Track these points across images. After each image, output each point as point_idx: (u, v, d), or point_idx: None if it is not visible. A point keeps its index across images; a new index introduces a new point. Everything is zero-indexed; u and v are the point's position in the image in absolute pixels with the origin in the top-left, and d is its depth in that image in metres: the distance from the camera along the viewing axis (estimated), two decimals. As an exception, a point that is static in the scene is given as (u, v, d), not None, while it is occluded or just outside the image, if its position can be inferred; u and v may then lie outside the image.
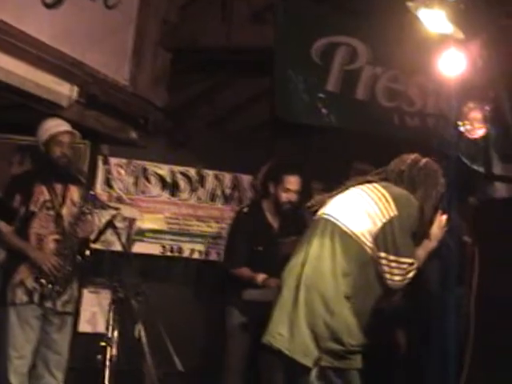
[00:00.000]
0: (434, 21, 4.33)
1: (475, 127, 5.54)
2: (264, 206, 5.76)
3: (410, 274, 3.58)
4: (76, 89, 5.56)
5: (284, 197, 5.63)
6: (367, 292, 3.61)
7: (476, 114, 5.56)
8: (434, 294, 5.45)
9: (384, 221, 3.55)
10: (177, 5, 6.68)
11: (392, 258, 3.52)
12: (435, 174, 3.86)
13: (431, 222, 3.75)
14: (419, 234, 3.70)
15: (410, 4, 4.25)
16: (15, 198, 5.02)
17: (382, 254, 3.53)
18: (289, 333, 3.52)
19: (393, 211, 3.56)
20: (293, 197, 5.64)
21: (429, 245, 3.80)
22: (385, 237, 3.53)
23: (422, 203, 3.69)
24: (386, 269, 3.53)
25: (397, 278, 3.55)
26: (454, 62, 4.82)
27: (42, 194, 5.09)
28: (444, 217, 3.81)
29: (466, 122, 5.45)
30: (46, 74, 5.33)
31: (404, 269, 3.54)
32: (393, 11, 5.16)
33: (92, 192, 5.28)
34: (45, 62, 5.29)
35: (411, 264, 3.56)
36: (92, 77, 5.65)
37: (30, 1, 5.17)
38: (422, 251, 3.74)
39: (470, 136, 5.59)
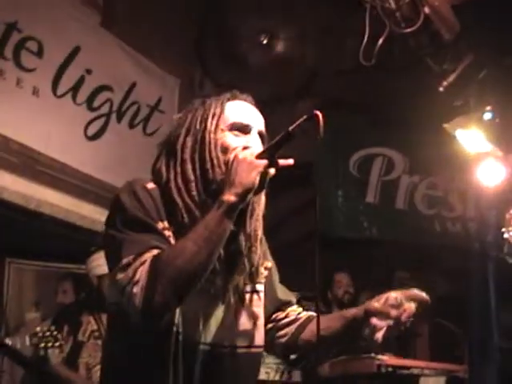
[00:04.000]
0: (472, 140, 4.36)
1: (520, 232, 5.50)
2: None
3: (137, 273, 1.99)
4: (119, 217, 5.64)
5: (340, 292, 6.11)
6: None
7: (519, 220, 5.52)
8: None
9: None
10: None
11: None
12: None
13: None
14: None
15: (446, 126, 4.29)
16: (63, 328, 5.04)
17: None
18: None
19: None
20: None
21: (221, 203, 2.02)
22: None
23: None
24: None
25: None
26: (492, 173, 4.84)
27: (90, 323, 5.11)
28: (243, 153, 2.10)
29: (510, 229, 5.41)
30: (89, 204, 5.44)
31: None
32: (428, 122, 5.22)
33: None
34: (88, 193, 5.43)
35: (132, 261, 2.00)
36: (134, 204, 5.72)
37: (73, 135, 5.35)
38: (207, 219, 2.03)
39: (515, 242, 5.54)
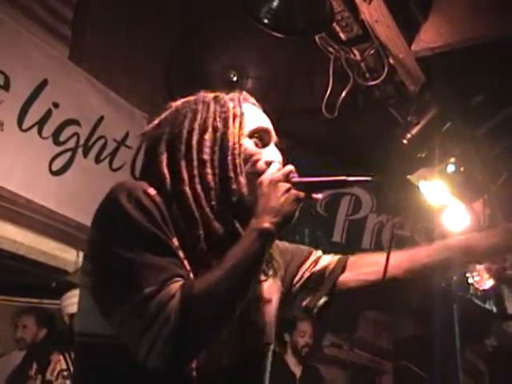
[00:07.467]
0: (435, 192, 4.37)
1: (484, 278, 5.51)
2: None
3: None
4: (82, 254, 5.57)
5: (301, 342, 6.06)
6: None
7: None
8: None
9: None
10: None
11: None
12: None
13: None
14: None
15: (409, 177, 4.28)
16: (32, 366, 4.98)
17: None
18: None
19: None
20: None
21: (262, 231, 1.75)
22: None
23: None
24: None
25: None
26: (457, 220, 4.84)
27: (59, 362, 5.04)
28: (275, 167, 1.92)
29: (475, 274, 5.43)
30: (51, 240, 5.36)
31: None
32: (394, 169, 5.22)
33: None
34: (51, 229, 5.35)
35: (157, 292, 1.61)
36: (97, 239, 5.67)
37: (37, 170, 5.26)
38: (237, 250, 1.71)
39: (479, 287, 5.56)
